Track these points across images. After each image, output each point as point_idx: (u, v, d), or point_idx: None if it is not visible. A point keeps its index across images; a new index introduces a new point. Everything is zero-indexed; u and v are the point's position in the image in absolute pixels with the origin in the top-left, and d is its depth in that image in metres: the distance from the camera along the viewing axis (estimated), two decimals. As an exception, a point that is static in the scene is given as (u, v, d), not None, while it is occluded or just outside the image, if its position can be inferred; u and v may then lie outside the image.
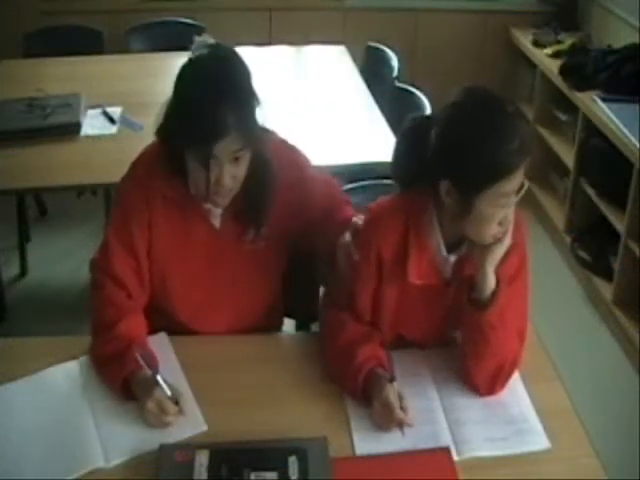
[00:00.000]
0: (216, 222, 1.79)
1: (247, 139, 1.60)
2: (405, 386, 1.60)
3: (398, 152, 1.65)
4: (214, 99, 1.55)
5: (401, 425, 1.52)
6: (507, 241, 1.56)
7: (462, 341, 1.68)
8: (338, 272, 1.73)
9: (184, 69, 1.62)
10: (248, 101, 1.61)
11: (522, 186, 1.51)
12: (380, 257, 1.64)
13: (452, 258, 1.65)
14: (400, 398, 1.55)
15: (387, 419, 1.54)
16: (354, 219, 1.73)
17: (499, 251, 1.56)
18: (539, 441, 1.56)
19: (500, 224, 1.53)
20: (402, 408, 1.53)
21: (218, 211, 1.78)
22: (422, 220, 1.61)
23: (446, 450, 1.52)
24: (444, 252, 1.63)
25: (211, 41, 1.65)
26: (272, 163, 1.73)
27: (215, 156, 1.58)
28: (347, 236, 1.72)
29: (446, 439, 1.55)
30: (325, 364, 1.72)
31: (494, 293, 1.58)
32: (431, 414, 1.60)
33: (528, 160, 1.48)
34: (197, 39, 1.64)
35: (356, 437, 1.55)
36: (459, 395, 1.65)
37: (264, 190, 1.74)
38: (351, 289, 1.69)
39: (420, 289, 1.65)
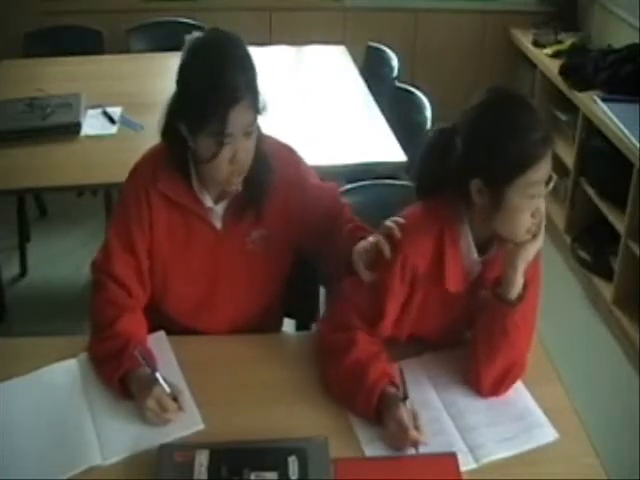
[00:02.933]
0: (217, 223, 1.79)
1: (256, 108, 1.63)
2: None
3: (425, 163, 1.66)
4: (224, 66, 1.58)
5: (416, 445, 1.49)
6: (541, 238, 1.58)
7: (475, 340, 1.66)
8: (354, 280, 1.69)
9: (191, 48, 1.64)
10: (254, 69, 1.65)
11: (551, 178, 1.55)
12: (415, 270, 1.62)
13: (477, 267, 1.66)
14: (414, 417, 1.51)
15: (401, 440, 1.50)
16: (387, 223, 1.68)
17: (534, 248, 1.58)
18: (548, 433, 1.56)
19: (533, 216, 1.56)
20: (416, 427, 1.50)
21: (219, 212, 1.78)
22: (455, 227, 1.62)
23: (451, 455, 1.50)
24: (475, 255, 1.63)
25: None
26: (268, 156, 1.75)
27: (229, 133, 1.60)
28: (364, 243, 1.69)
29: (460, 447, 1.53)
30: (330, 384, 1.67)
31: (521, 293, 1.59)
32: (440, 424, 1.58)
33: (552, 150, 1.52)
34: (187, 37, 1.67)
35: (363, 438, 1.54)
36: (461, 400, 1.64)
37: (262, 181, 1.75)
38: (379, 304, 1.64)
39: (445, 294, 1.64)
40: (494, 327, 1.61)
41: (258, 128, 1.71)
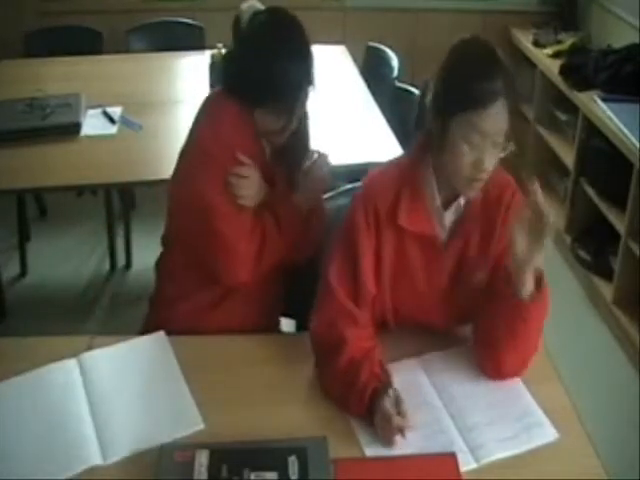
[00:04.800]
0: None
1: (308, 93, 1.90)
2: (408, 398, 1.58)
3: (415, 121, 1.79)
4: (302, 58, 1.89)
5: (401, 431, 1.51)
6: (543, 243, 1.59)
7: (492, 327, 1.66)
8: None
9: (262, 29, 1.91)
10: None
11: (508, 145, 1.59)
12: (377, 212, 1.68)
13: (449, 216, 1.69)
14: (399, 403, 1.53)
15: (387, 428, 1.52)
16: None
17: (538, 252, 1.59)
18: (548, 433, 1.57)
19: (475, 167, 1.57)
20: (401, 413, 1.51)
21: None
22: (419, 172, 1.67)
23: (451, 455, 1.50)
24: (438, 202, 1.67)
25: (258, 5, 1.86)
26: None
27: (296, 110, 1.87)
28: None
29: (460, 447, 1.53)
30: (323, 385, 1.68)
31: (533, 292, 1.61)
32: (439, 424, 1.58)
33: (506, 107, 1.55)
34: (243, 5, 1.88)
35: (363, 439, 1.54)
36: (461, 399, 1.64)
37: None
38: (354, 262, 1.69)
39: (417, 247, 1.68)
40: (513, 316, 1.62)
41: None
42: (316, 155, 2.00)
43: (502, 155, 1.61)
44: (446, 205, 1.69)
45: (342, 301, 1.68)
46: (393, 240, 1.69)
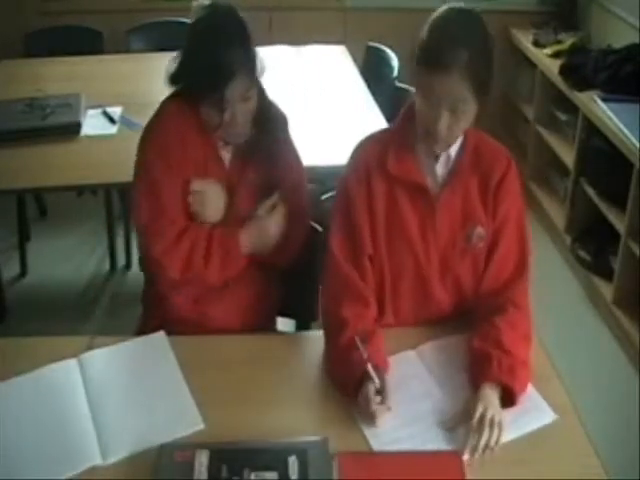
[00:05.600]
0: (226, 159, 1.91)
1: (253, 78, 1.79)
2: (407, 389, 1.62)
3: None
4: (221, 45, 1.73)
5: (374, 417, 1.54)
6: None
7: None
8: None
9: (192, 25, 1.79)
10: (251, 42, 1.80)
11: (471, 111, 1.63)
12: (367, 165, 1.74)
13: (440, 168, 1.73)
14: (383, 389, 1.57)
15: (366, 412, 1.56)
16: None
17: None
18: (546, 415, 1.59)
19: (430, 122, 1.61)
20: (382, 399, 1.56)
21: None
22: (406, 129, 1.73)
23: (455, 453, 1.51)
24: (424, 148, 1.71)
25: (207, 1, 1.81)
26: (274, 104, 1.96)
27: (227, 100, 1.74)
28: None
29: (460, 434, 1.54)
30: (325, 362, 1.73)
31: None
32: (440, 415, 1.59)
33: (465, 77, 1.56)
34: (195, 2, 1.81)
35: (368, 432, 1.55)
36: (460, 388, 1.65)
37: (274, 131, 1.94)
38: (350, 219, 1.74)
39: (408, 198, 1.72)
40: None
41: (260, 88, 1.86)
42: (275, 198, 1.92)
43: (466, 125, 1.66)
44: (437, 158, 1.73)
45: (344, 271, 1.73)
46: (384, 190, 1.73)
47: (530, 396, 1.64)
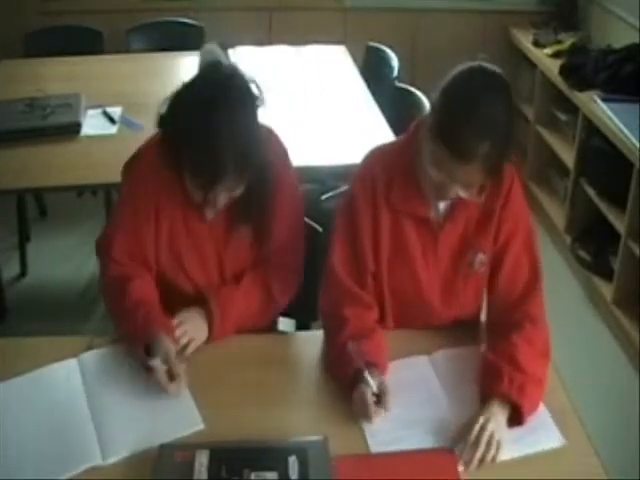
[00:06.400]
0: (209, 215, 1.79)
1: (244, 176, 1.64)
2: (413, 393, 1.62)
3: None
4: (214, 143, 1.56)
5: (369, 419, 1.55)
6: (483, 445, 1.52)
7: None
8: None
9: (192, 87, 1.63)
10: (248, 138, 1.61)
11: (481, 188, 1.61)
12: (374, 192, 1.71)
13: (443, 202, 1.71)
14: (383, 392, 1.57)
15: (363, 411, 1.56)
16: None
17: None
18: (554, 438, 1.56)
19: (439, 188, 1.60)
20: (380, 395, 1.56)
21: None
22: (411, 154, 1.67)
23: (450, 451, 1.51)
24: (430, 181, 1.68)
25: (217, 50, 1.65)
26: (270, 172, 1.75)
27: (212, 195, 1.64)
28: None
29: (461, 446, 1.52)
30: (325, 359, 1.74)
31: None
32: (443, 422, 1.58)
33: (484, 166, 1.52)
34: (205, 46, 1.65)
35: (368, 434, 1.55)
36: (468, 399, 1.63)
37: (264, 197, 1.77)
38: (353, 241, 1.72)
39: (413, 229, 1.71)
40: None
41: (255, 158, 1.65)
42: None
43: (478, 199, 1.63)
44: None
45: (344, 282, 1.73)
46: (390, 222, 1.72)
47: (540, 416, 1.60)
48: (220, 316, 1.77)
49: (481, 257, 1.74)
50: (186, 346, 1.72)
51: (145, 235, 1.79)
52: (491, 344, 1.70)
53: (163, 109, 1.65)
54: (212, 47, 1.66)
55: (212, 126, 1.56)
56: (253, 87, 1.64)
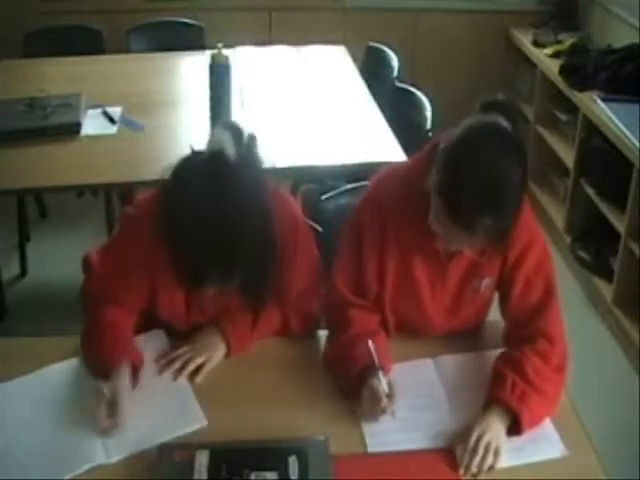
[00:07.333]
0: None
1: (239, 276, 1.56)
2: (415, 396, 1.62)
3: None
4: (203, 253, 1.47)
5: (384, 411, 1.54)
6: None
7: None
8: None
9: (189, 171, 1.52)
10: (250, 240, 1.51)
11: (482, 252, 1.61)
12: (382, 221, 1.66)
13: None
14: (390, 385, 1.57)
15: (375, 407, 1.55)
16: None
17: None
18: (555, 448, 1.54)
19: (445, 241, 1.57)
20: (390, 394, 1.56)
21: None
22: (420, 182, 1.56)
23: (449, 452, 1.51)
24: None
25: (228, 140, 1.51)
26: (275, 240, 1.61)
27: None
28: None
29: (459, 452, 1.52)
30: (325, 357, 1.74)
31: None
32: (444, 427, 1.58)
33: (488, 235, 1.49)
34: (216, 132, 1.55)
35: (367, 434, 1.56)
36: (470, 405, 1.61)
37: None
38: (359, 265, 1.70)
39: (421, 262, 1.68)
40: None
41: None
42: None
43: (481, 257, 1.62)
44: None
45: (347, 297, 1.72)
46: (397, 255, 1.69)
47: (543, 428, 1.58)
48: (232, 329, 1.74)
49: (487, 281, 1.72)
50: (201, 366, 1.69)
51: (134, 284, 1.71)
52: (503, 354, 1.68)
53: (167, 174, 1.53)
54: (221, 135, 1.51)
55: (200, 238, 1.46)
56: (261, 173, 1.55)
